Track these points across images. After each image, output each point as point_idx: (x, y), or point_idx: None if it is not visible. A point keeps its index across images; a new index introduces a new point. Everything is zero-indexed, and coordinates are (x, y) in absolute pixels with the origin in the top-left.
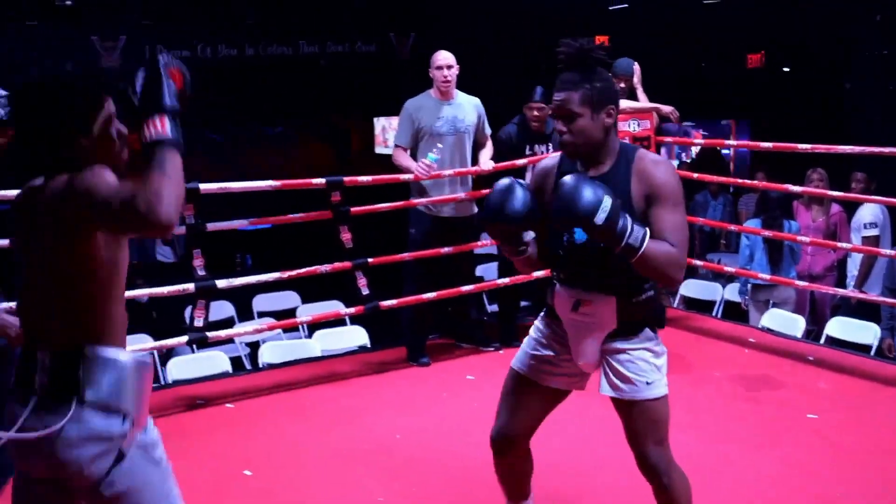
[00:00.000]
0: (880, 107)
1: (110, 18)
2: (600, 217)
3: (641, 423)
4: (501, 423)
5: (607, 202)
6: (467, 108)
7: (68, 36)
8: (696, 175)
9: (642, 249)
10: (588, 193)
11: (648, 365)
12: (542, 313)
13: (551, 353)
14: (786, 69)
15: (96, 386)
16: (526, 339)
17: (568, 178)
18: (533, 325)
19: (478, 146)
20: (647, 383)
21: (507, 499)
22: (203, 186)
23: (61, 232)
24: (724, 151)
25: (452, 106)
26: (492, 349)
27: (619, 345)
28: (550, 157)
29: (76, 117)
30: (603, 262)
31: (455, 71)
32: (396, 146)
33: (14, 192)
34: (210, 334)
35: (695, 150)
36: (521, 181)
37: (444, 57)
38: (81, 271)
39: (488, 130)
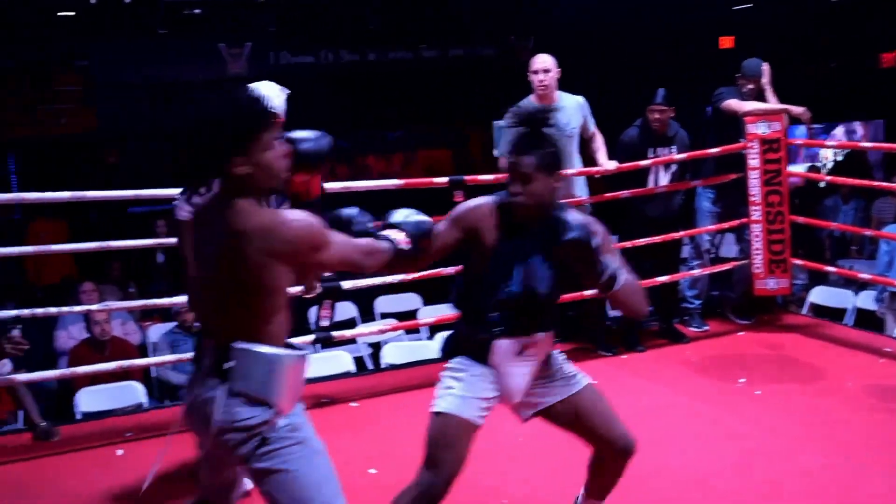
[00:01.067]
0: None
1: (236, 26)
2: (595, 241)
3: (601, 404)
4: (455, 473)
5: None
6: (571, 109)
7: (196, 44)
8: (827, 178)
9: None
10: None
11: (567, 361)
12: (457, 361)
13: (488, 395)
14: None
15: (245, 379)
16: (459, 386)
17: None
18: (450, 371)
19: (587, 144)
20: (577, 373)
21: None
22: (327, 186)
23: (250, 260)
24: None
25: (555, 110)
26: (610, 354)
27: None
28: (481, 201)
29: (238, 141)
30: (546, 302)
31: (553, 75)
32: (500, 156)
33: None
34: (335, 334)
35: (830, 153)
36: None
37: (540, 61)
38: (256, 289)
39: (594, 127)
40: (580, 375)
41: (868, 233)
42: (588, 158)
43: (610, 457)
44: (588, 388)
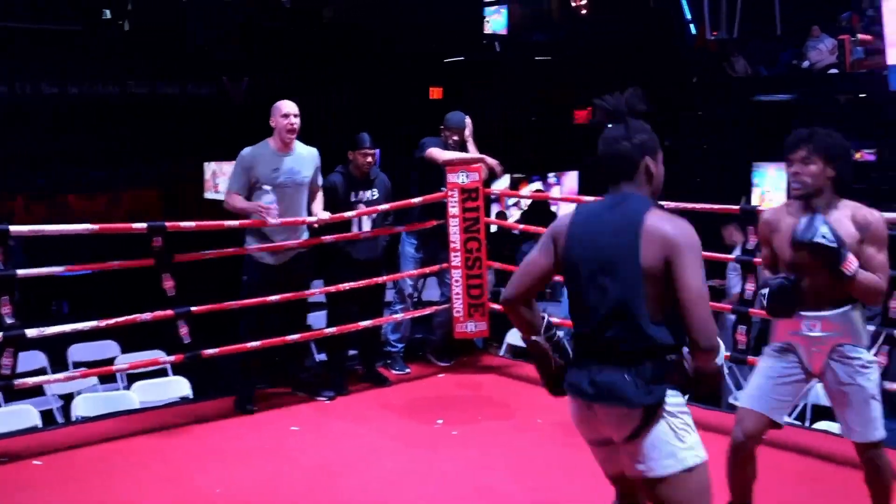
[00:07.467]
0: (698, 164)
1: None
2: None
3: None
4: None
5: None
6: (306, 159)
7: None
8: (521, 226)
9: None
10: None
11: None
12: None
13: None
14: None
15: None
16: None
17: None
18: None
19: (311, 196)
20: None
21: None
22: (13, 229)
23: None
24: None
25: (291, 157)
26: (325, 398)
27: None
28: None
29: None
30: None
31: (299, 120)
32: (229, 191)
33: None
34: (17, 382)
35: (525, 202)
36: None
37: (289, 106)
38: None
39: (321, 181)
40: None
41: (557, 277)
42: None
43: None
44: None
